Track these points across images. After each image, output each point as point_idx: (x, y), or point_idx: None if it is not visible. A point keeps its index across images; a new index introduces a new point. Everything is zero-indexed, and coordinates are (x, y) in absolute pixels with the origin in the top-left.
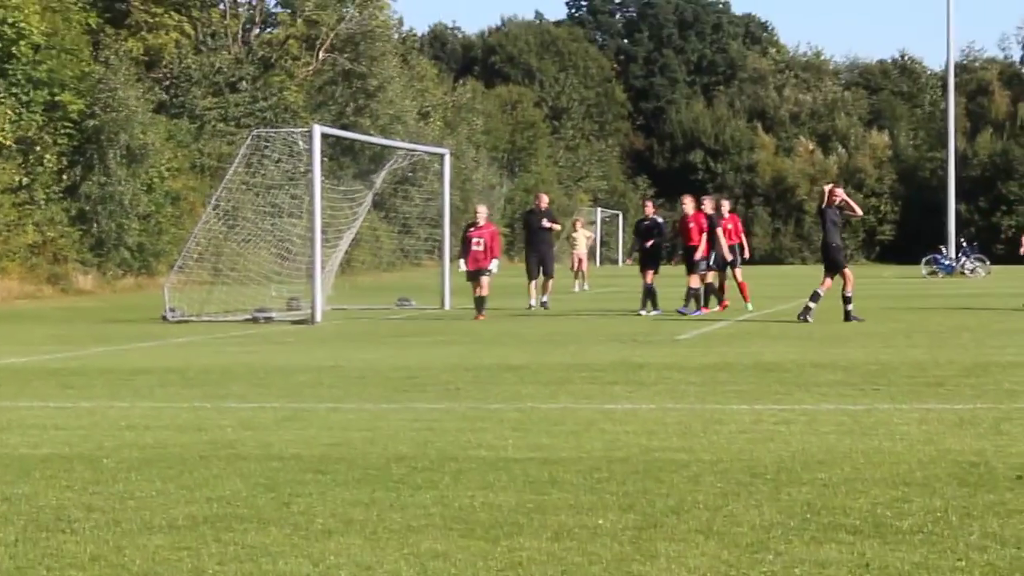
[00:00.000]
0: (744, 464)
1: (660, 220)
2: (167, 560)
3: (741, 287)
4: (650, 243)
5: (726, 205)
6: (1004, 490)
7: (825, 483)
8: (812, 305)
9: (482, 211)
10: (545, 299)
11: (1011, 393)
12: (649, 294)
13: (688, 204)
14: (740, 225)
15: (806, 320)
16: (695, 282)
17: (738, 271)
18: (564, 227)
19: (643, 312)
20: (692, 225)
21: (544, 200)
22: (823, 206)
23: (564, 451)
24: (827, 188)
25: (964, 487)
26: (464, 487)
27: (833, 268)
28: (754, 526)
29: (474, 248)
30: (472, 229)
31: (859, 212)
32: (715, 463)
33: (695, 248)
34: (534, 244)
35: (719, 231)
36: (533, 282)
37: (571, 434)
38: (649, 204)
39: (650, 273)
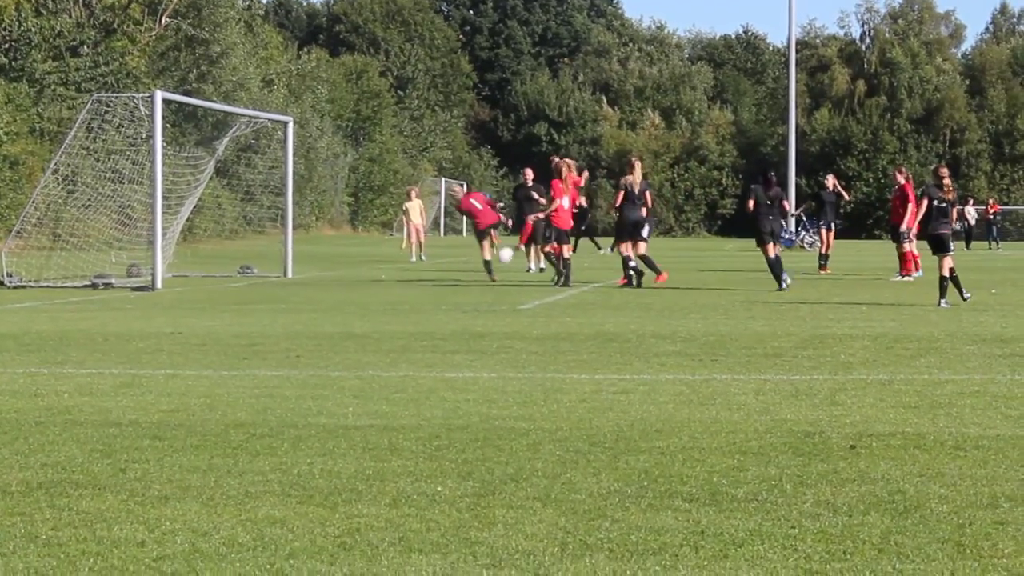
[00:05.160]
0: (583, 433)
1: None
2: (0, 525)
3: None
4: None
5: None
6: (838, 459)
7: (663, 451)
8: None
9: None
10: (543, 265)
11: (846, 364)
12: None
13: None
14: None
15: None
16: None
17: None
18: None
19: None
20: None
21: (529, 175)
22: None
23: (404, 419)
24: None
25: (799, 456)
26: (303, 454)
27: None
28: (592, 493)
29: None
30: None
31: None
32: (555, 431)
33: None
34: (526, 214)
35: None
36: (535, 247)
37: (411, 402)
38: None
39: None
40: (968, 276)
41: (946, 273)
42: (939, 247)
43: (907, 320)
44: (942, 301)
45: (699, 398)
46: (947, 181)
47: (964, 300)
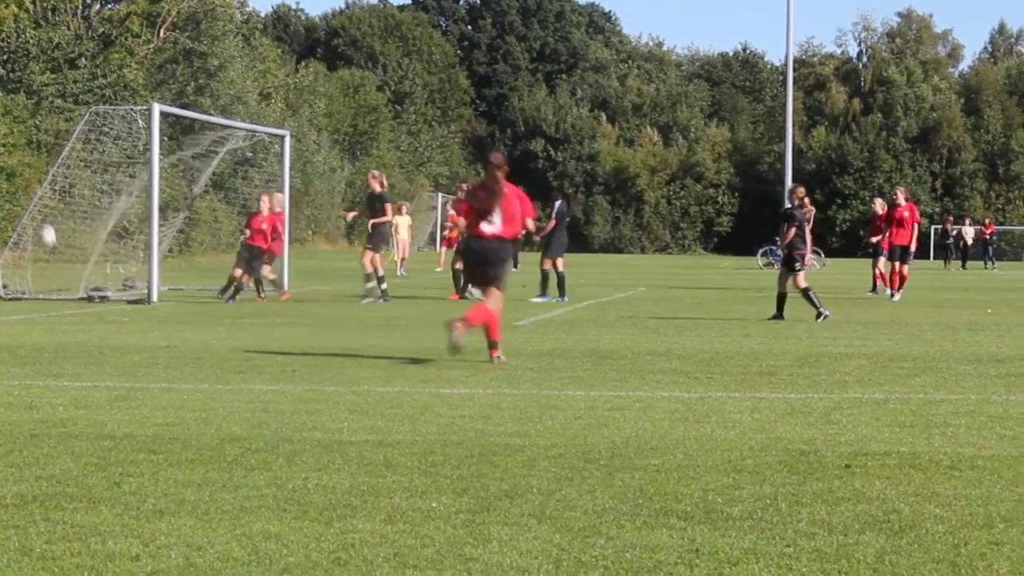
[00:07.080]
0: (578, 449)
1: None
2: None
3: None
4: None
5: None
6: (833, 478)
7: (658, 469)
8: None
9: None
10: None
11: (842, 383)
12: None
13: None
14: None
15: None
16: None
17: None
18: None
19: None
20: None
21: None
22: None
23: (399, 434)
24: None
25: (794, 475)
26: (298, 469)
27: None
28: (587, 511)
29: None
30: None
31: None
32: (550, 448)
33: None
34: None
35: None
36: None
37: (407, 417)
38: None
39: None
40: (964, 296)
41: (805, 285)
42: (791, 265)
43: (903, 339)
44: (824, 312)
45: (694, 416)
46: (806, 200)
47: (776, 319)
